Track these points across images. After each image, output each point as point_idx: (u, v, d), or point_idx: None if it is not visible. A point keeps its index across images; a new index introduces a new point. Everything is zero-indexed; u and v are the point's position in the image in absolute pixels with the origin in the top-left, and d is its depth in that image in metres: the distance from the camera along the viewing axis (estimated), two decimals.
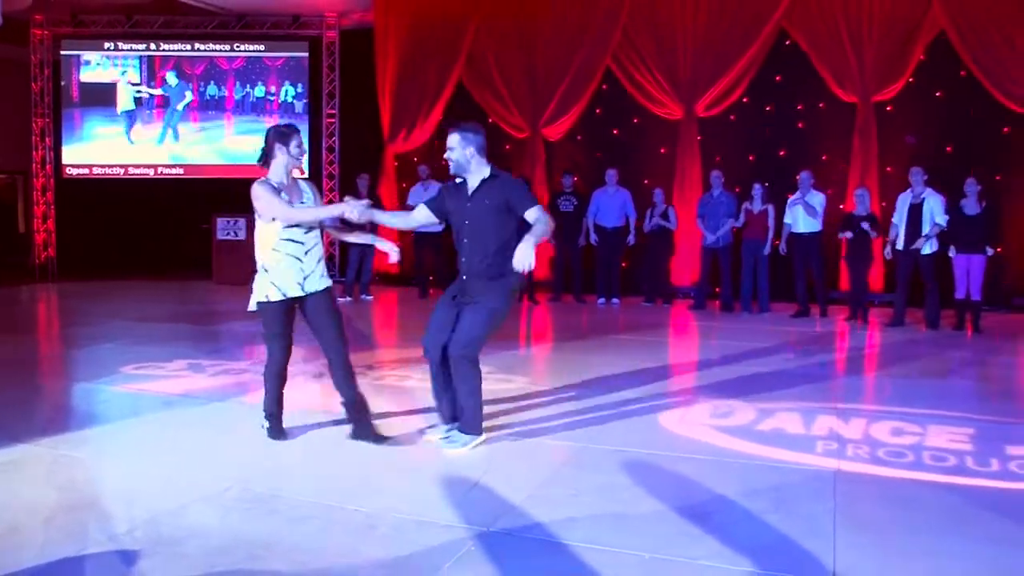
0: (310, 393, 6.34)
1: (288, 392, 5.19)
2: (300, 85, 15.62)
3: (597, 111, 13.56)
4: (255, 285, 4.99)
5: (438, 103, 14.31)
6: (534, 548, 3.48)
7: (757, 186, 11.43)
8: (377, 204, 12.57)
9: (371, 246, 12.31)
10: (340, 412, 5.16)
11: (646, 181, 12.77)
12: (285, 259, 4.92)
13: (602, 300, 12.18)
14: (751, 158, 12.70)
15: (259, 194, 4.96)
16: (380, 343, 9.35)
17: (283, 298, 4.91)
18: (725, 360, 7.86)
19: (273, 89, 15.60)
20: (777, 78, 12.60)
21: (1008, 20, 11.25)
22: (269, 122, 15.55)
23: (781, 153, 12.57)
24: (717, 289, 11.85)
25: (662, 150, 13.18)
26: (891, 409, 5.95)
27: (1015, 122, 11.60)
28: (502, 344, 8.69)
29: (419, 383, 6.60)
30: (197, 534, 3.57)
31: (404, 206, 13.00)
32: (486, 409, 5.13)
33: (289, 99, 15.66)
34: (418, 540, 3.51)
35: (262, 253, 4.97)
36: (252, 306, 5.00)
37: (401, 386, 6.59)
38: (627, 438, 5.15)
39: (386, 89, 14.59)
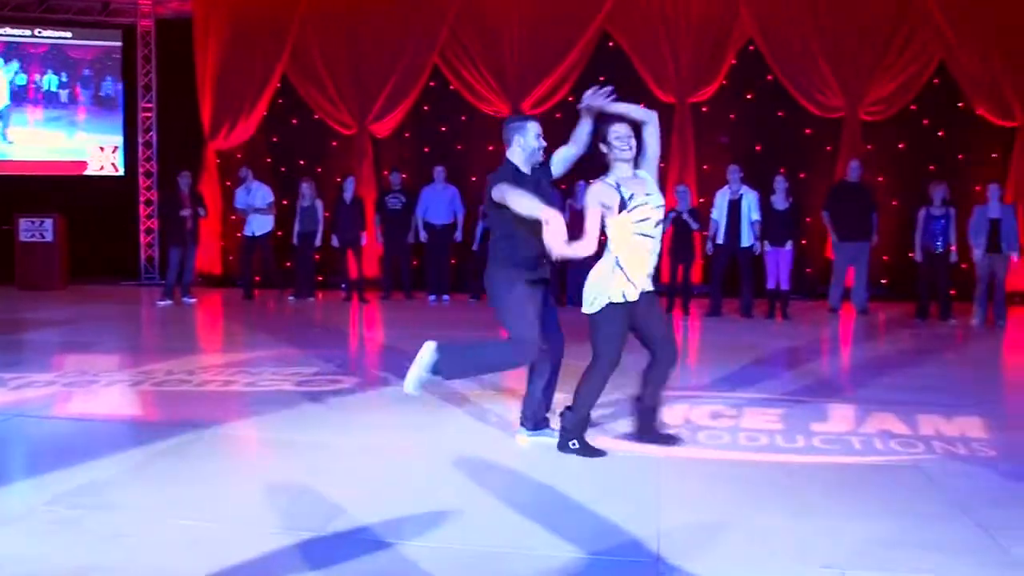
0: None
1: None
2: (114, 77, 14.76)
3: (425, 108, 13.54)
4: (597, 284, 4.68)
5: (262, 98, 13.86)
6: (366, 549, 3.42)
7: (581, 183, 11.71)
8: (199, 202, 12.13)
9: (193, 246, 12.00)
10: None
11: (474, 178, 12.86)
12: (639, 253, 4.65)
13: (433, 298, 12.17)
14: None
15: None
16: (204, 348, 8.97)
17: (637, 297, 4.65)
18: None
19: (84, 80, 14.67)
20: (601, 78, 12.89)
21: (808, 32, 12.13)
22: (77, 115, 14.67)
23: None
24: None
25: (490, 147, 13.29)
26: (709, 394, 6.24)
27: (816, 125, 12.50)
28: (335, 343, 8.54)
29: (245, 388, 6.38)
30: (2, 561, 3.29)
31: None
32: (309, 408, 5.00)
33: (102, 91, 14.78)
34: (244, 551, 3.37)
35: (615, 247, 4.68)
36: (595, 308, 4.72)
37: (226, 391, 6.33)
38: (460, 435, 5.15)
39: (206, 82, 14.00)
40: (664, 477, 4.37)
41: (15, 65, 14.52)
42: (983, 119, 12.08)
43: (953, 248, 10.43)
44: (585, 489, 4.12)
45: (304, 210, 12.35)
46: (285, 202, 12.98)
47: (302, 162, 13.77)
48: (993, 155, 12.27)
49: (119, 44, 14.76)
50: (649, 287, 4.68)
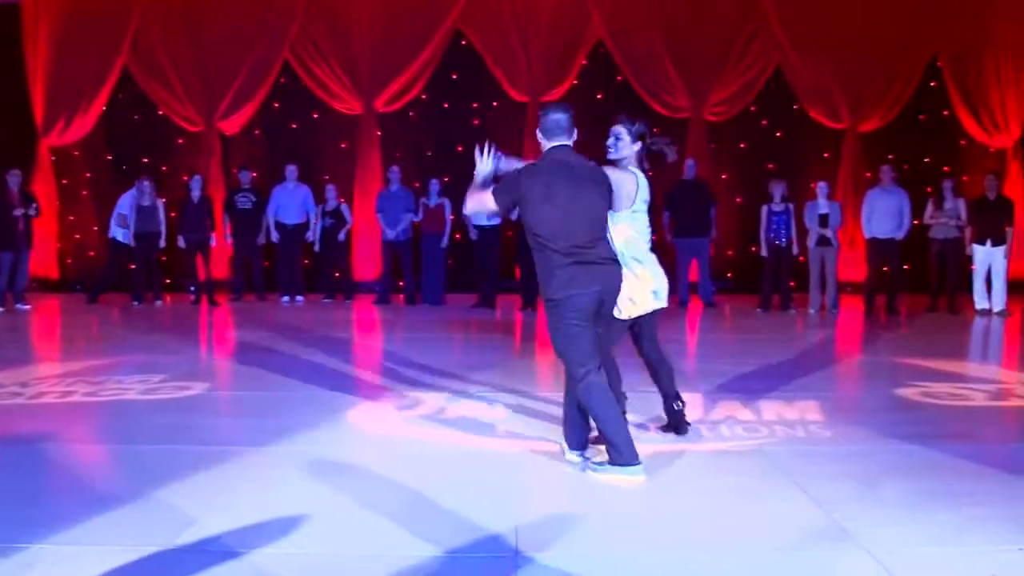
0: None
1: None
2: None
3: (275, 105, 13.19)
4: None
5: (100, 92, 13.13)
6: (215, 560, 3.30)
7: (434, 181, 11.74)
8: (31, 202, 11.41)
9: (26, 248, 11.27)
10: None
11: (326, 176, 12.64)
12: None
13: (286, 298, 11.89)
14: (429, 154, 13.02)
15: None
16: (39, 357, 8.45)
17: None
18: (410, 352, 7.99)
19: None
20: (454, 76, 13.00)
21: (655, 36, 12.59)
22: None
23: (459, 149, 12.97)
24: (401, 283, 12.03)
25: (343, 145, 13.11)
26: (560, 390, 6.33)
27: (663, 125, 12.85)
28: (183, 349, 8.22)
29: (85, 398, 6.05)
30: None
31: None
32: (154, 417, 4.78)
33: None
34: (93, 567, 3.18)
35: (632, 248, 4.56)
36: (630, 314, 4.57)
37: (64, 403, 5.97)
38: (315, 438, 5.04)
39: (38, 74, 13.14)
40: (521, 472, 4.41)
41: None
42: (815, 121, 12.83)
43: (794, 242, 11.02)
44: (442, 488, 4.11)
45: (143, 210, 11.78)
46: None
47: (146, 160, 13.15)
48: (825, 155, 13.04)
49: None
50: None
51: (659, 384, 5.06)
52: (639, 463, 4.16)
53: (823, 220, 10.85)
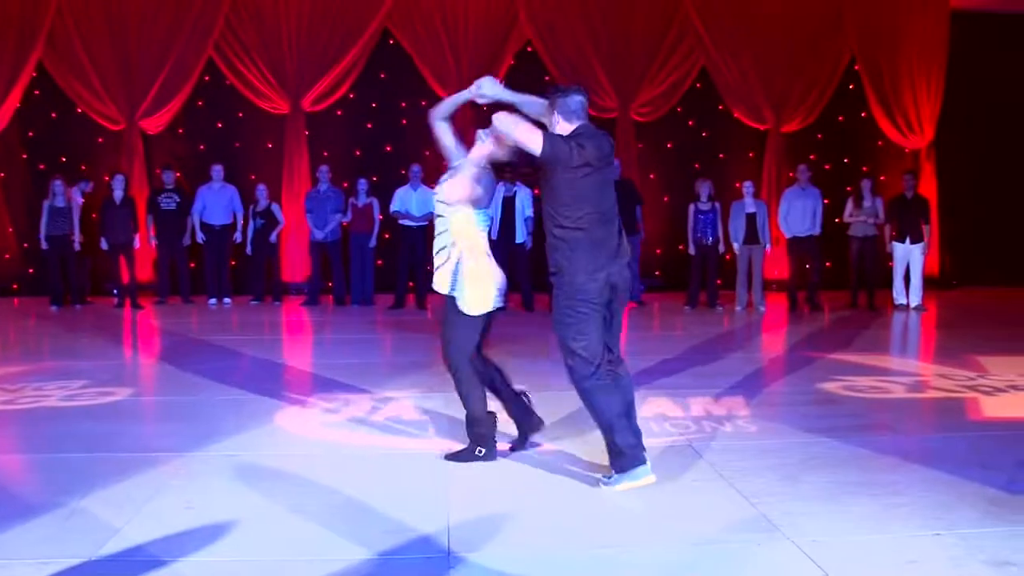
0: None
1: None
2: None
3: (199, 103, 12.91)
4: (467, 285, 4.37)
5: (14, 88, 12.58)
6: (141, 570, 3.22)
7: (362, 181, 11.66)
8: None
9: None
10: None
11: (253, 176, 12.44)
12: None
13: (213, 300, 11.67)
14: (357, 153, 12.91)
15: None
16: None
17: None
18: (339, 354, 7.92)
19: None
20: (382, 75, 12.91)
21: (582, 36, 12.71)
22: None
23: (387, 148, 12.92)
24: (330, 284, 11.91)
25: (269, 144, 12.92)
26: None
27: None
28: (105, 354, 8.00)
29: (2, 406, 5.86)
30: None
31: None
32: (75, 424, 4.64)
33: None
34: None
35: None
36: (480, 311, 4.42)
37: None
38: (241, 442, 4.97)
39: None
40: (449, 474, 4.41)
41: None
42: (740, 121, 13.10)
43: (720, 240, 11.23)
44: (372, 491, 4.09)
45: (55, 211, 11.40)
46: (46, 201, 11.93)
47: (64, 159, 12.75)
48: (750, 154, 13.33)
49: None
50: None
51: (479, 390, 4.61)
52: (645, 462, 4.11)
53: (750, 219, 11.07)
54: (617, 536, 3.57)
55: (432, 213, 10.87)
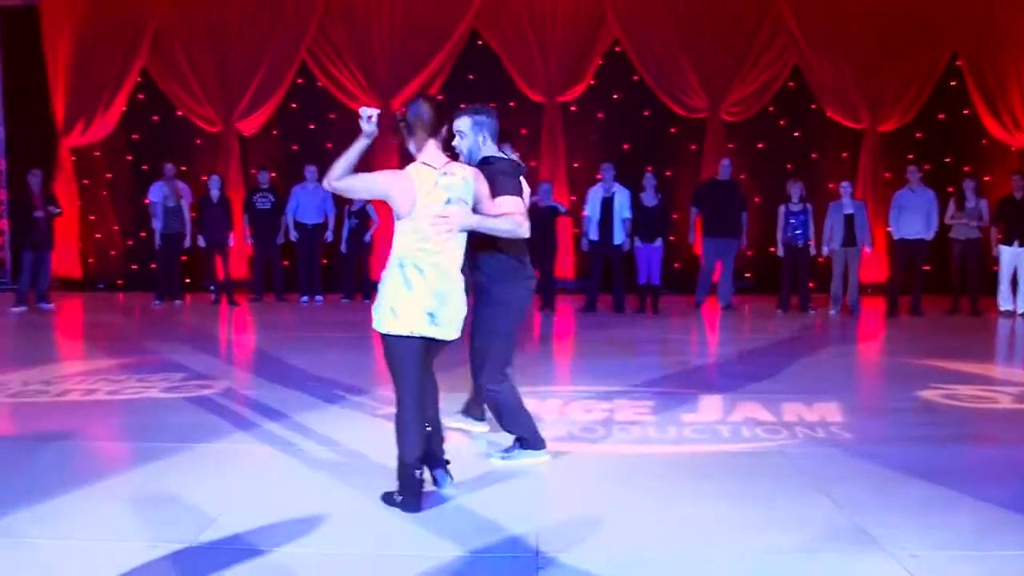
0: None
1: None
2: None
3: (293, 105, 13.24)
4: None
5: (120, 93, 13.20)
6: (237, 558, 3.32)
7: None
8: (52, 202, 11.49)
9: (48, 248, 11.34)
10: None
11: None
12: None
13: (305, 298, 11.94)
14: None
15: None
16: (63, 356, 8.52)
17: None
18: None
19: None
20: (470, 76, 13.01)
21: (671, 36, 12.56)
22: None
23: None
24: None
25: None
26: (583, 389, 6.35)
27: (680, 124, 12.92)
28: (203, 348, 8.27)
29: (108, 396, 6.11)
30: None
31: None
32: (175, 415, 4.80)
33: None
34: (112, 566, 3.22)
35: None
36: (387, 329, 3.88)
37: (88, 400, 6.03)
38: (334, 437, 5.06)
39: (58, 75, 13.23)
40: (541, 473, 4.42)
41: None
42: (833, 121, 12.76)
43: (812, 242, 10.97)
44: (462, 488, 4.12)
45: (168, 210, 11.86)
46: (147, 201, 12.41)
47: (165, 160, 13.21)
48: (843, 155, 12.97)
49: None
50: None
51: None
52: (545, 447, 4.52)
53: (848, 220, 10.76)
54: (705, 541, 3.51)
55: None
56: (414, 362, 3.84)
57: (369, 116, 3.85)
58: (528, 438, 4.51)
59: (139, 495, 4.02)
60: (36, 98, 13.30)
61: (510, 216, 4.04)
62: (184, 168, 13.10)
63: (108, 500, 3.96)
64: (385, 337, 3.84)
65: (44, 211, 11.22)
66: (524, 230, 4.09)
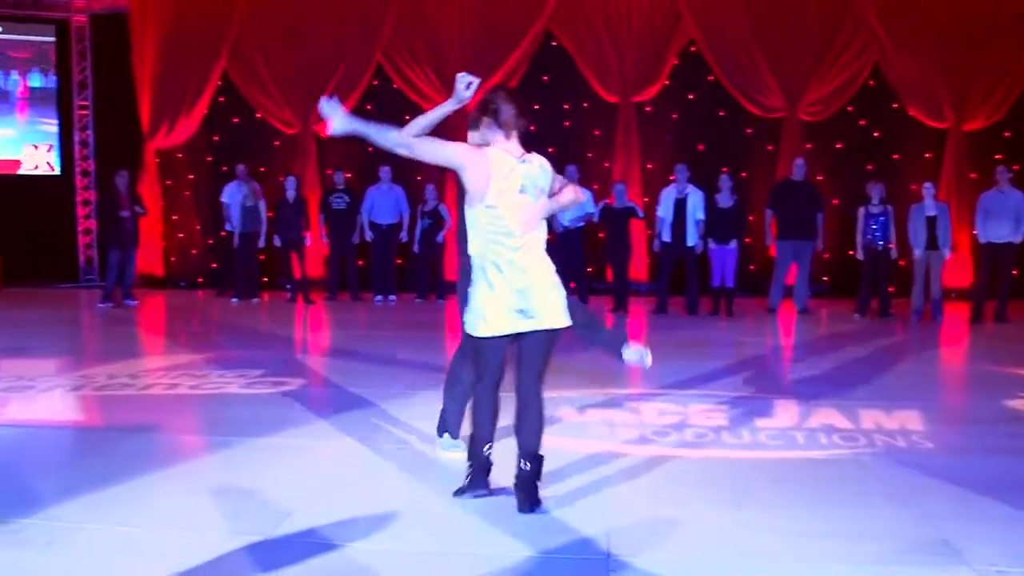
0: None
1: None
2: (47, 73, 14.38)
3: (368, 107, 13.41)
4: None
5: (202, 96, 13.62)
6: (313, 552, 3.38)
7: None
8: (138, 202, 11.88)
9: (133, 247, 11.74)
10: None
11: (419, 177, 12.79)
12: None
13: (379, 297, 12.09)
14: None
15: None
16: (146, 351, 8.79)
17: None
18: None
19: (15, 76, 14.28)
20: (544, 78, 13.02)
21: (747, 35, 12.35)
22: (13, 112, 14.29)
23: (550, 150, 12.97)
24: None
25: None
26: (656, 391, 6.30)
27: (756, 124, 12.70)
28: (280, 345, 8.44)
29: (190, 390, 6.28)
30: None
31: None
32: (254, 410, 4.92)
33: (35, 87, 14.38)
34: (191, 556, 3.31)
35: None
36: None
37: (170, 395, 6.21)
38: (408, 435, 5.12)
39: (144, 79, 13.69)
40: (613, 474, 4.40)
41: None
42: (916, 120, 12.39)
43: (892, 245, 10.67)
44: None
45: (247, 210, 12.15)
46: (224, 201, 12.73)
47: (244, 161, 13.53)
48: (927, 155, 12.59)
49: (52, 39, 14.37)
50: None
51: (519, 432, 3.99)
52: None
53: (930, 222, 10.44)
54: (779, 551, 3.45)
55: (589, 214, 11.02)
56: (499, 353, 3.87)
57: (469, 83, 3.82)
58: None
59: (217, 487, 4.13)
60: (123, 103, 13.79)
61: (571, 188, 4.02)
62: (262, 169, 13.42)
63: (186, 491, 4.08)
64: (476, 338, 3.86)
65: (130, 211, 11.59)
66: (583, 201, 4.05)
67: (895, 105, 12.45)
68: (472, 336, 3.89)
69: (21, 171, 14.39)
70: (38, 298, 12.61)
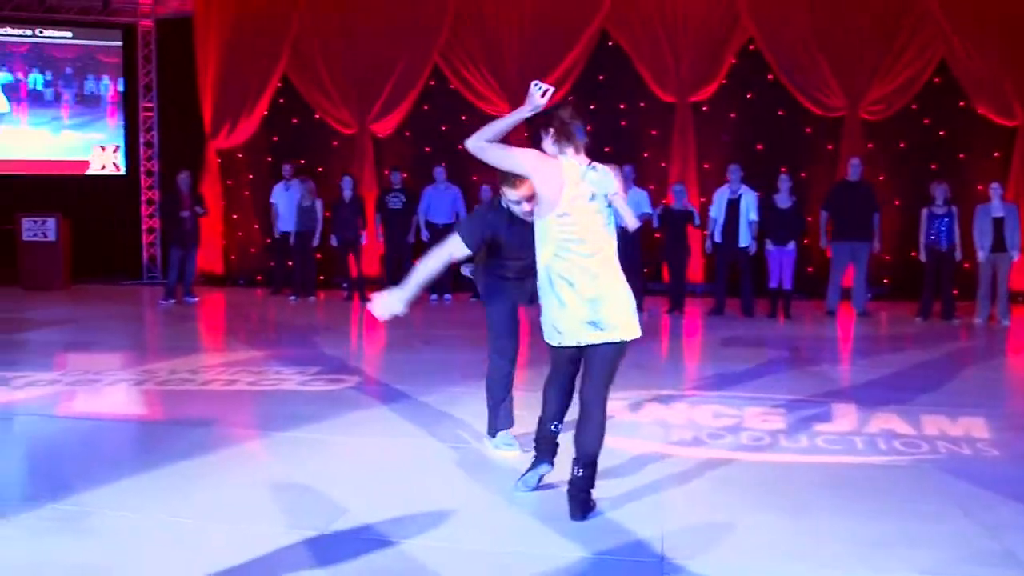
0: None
1: None
2: (114, 76, 14.77)
3: (425, 107, 13.52)
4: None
5: (262, 97, 13.85)
6: (368, 548, 3.42)
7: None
8: (199, 203, 12.12)
9: (194, 246, 12.00)
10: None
11: (475, 177, 12.83)
12: None
13: (434, 297, 12.16)
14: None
15: None
16: (206, 347, 8.97)
17: None
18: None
19: (107, 80, 14.71)
20: (600, 77, 12.97)
21: (807, 32, 12.13)
22: (83, 115, 14.68)
23: (606, 150, 12.93)
24: None
25: None
26: (712, 394, 6.23)
27: (816, 124, 12.48)
28: (336, 343, 8.54)
29: (248, 386, 6.39)
30: (7, 559, 3.28)
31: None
32: (311, 407, 4.98)
33: (102, 91, 14.79)
34: (250, 549, 3.37)
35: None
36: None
37: (229, 390, 6.33)
38: (463, 433, 5.14)
39: (207, 82, 13.98)
40: (667, 477, 4.36)
41: (5, 68, 14.52)
42: (984, 118, 12.05)
43: (957, 247, 10.40)
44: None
45: (303, 209, 12.32)
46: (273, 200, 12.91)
47: (303, 161, 13.75)
48: (995, 154, 12.24)
49: (119, 44, 14.75)
50: None
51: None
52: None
53: (997, 224, 10.16)
54: (838, 558, 3.38)
55: (646, 214, 10.95)
56: (571, 357, 3.98)
57: (544, 91, 3.82)
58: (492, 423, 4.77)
59: (273, 482, 4.20)
60: (186, 105, 14.10)
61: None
62: (320, 169, 13.60)
63: (243, 485, 4.16)
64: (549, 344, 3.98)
65: (191, 211, 11.84)
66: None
67: (961, 103, 12.11)
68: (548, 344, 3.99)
69: (89, 171, 14.80)
70: (104, 294, 12.94)
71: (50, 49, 14.59)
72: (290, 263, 12.61)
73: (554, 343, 3.90)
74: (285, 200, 12.48)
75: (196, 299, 11.92)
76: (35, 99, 14.65)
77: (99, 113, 14.84)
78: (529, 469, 4.09)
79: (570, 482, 3.82)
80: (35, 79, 14.59)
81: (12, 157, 14.57)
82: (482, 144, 3.84)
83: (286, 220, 12.45)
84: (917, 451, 4.83)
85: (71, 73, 14.71)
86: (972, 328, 9.98)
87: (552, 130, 3.87)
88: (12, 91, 14.53)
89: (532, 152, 3.87)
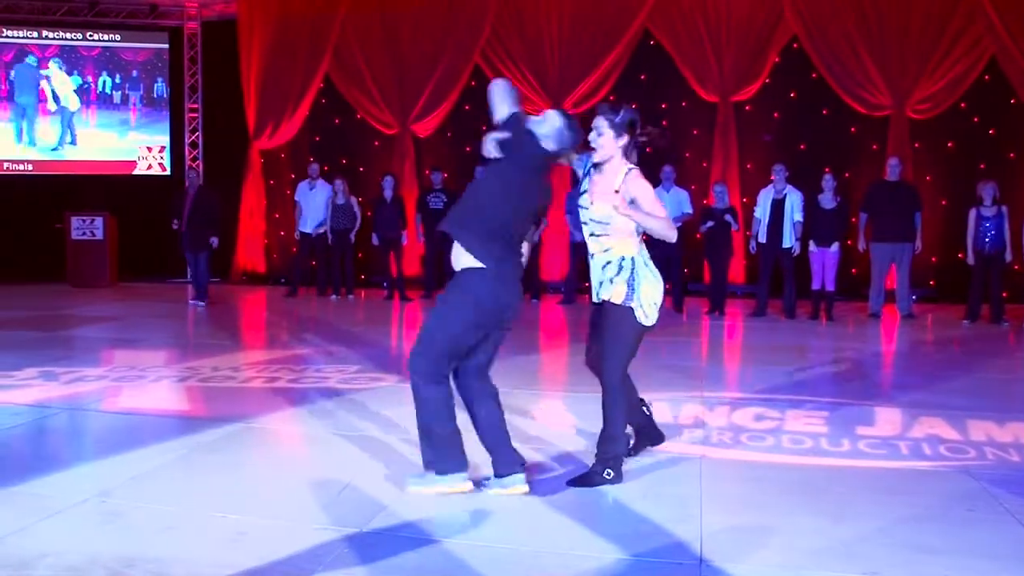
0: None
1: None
2: (161, 78, 15.02)
3: (466, 107, 13.55)
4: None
5: (305, 98, 14.01)
6: (407, 546, 3.44)
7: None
8: (208, 215, 12.01)
9: (201, 251, 12.00)
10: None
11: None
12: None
13: None
14: None
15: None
16: (248, 345, 9.07)
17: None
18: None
19: (132, 82, 14.95)
20: (642, 77, 12.91)
21: (853, 30, 11.95)
22: (130, 116, 14.93)
23: (647, 150, 12.85)
24: (587, 284, 12.04)
25: None
26: (752, 396, 6.17)
27: (861, 123, 12.29)
28: (376, 341, 8.59)
29: (289, 384, 6.45)
30: (48, 553, 3.34)
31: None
32: (351, 405, 4.99)
33: (154, 93, 15.04)
34: (290, 545, 3.40)
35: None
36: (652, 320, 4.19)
37: (270, 387, 6.40)
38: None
39: (251, 83, 14.18)
40: (706, 479, 4.33)
41: (75, 72, 14.82)
42: None
43: (1007, 248, 10.17)
44: (625, 490, 4.10)
45: (338, 208, 12.42)
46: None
47: (344, 161, 13.87)
48: None
49: (166, 46, 15.00)
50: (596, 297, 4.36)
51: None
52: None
53: None
54: (882, 564, 3.32)
55: (686, 214, 10.88)
56: None
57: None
58: (434, 461, 4.05)
59: (312, 479, 4.23)
60: (230, 106, 14.29)
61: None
62: (361, 169, 13.70)
63: (282, 482, 4.20)
64: (642, 326, 4.15)
65: (185, 226, 11.76)
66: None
67: (1013, 100, 11.85)
68: (644, 325, 4.16)
69: (136, 171, 15.05)
70: (148, 293, 13.15)
71: (120, 52, 14.87)
72: (313, 263, 12.69)
73: (653, 321, 4.16)
74: (309, 199, 12.56)
75: (203, 303, 11.54)
76: (104, 101, 14.94)
77: (163, 116, 15.11)
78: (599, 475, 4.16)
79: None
80: (104, 82, 14.89)
81: (69, 158, 14.87)
82: (670, 224, 4.23)
83: (307, 220, 12.52)
84: (964, 456, 4.73)
85: (139, 76, 14.98)
86: (1022, 332, 9.76)
87: (630, 136, 4.49)
88: (84, 94, 14.84)
89: (653, 191, 4.35)
